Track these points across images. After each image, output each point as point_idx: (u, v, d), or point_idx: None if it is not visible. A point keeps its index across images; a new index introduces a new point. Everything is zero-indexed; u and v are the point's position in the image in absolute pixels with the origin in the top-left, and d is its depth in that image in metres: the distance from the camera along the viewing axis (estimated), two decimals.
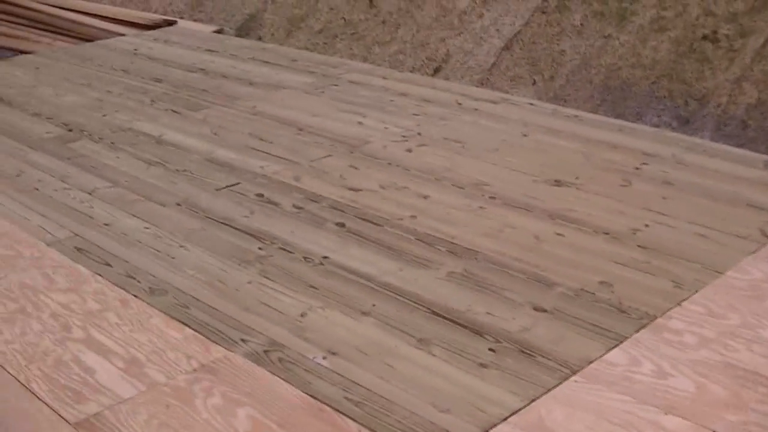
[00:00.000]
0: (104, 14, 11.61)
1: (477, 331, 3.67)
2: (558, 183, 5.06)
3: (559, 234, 4.47)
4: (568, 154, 5.48)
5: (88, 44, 9.86)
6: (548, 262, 4.19)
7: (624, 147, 5.57)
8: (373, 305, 3.88)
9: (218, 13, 11.18)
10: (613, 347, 3.54)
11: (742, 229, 4.49)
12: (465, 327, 3.70)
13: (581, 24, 8.35)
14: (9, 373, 3.52)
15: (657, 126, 6.53)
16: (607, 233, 4.46)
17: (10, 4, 13.10)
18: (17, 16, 12.93)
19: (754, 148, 5.99)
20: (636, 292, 3.92)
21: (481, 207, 4.80)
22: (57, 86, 7.63)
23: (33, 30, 12.52)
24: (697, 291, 3.93)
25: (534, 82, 8.09)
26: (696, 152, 5.51)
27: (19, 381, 3.47)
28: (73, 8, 12.11)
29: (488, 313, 3.78)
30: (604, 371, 3.40)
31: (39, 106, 7.03)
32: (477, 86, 8.02)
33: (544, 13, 8.62)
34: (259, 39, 10.18)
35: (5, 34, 12.72)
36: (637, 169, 5.24)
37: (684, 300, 3.86)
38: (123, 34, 10.49)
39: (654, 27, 7.92)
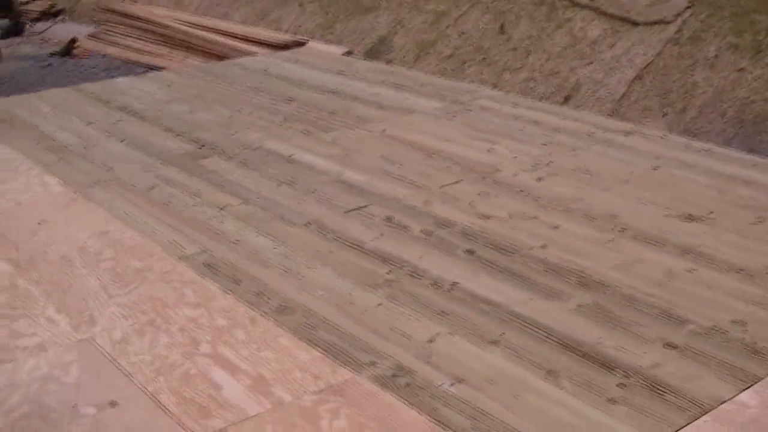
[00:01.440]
0: (236, 33, 11.77)
1: (606, 365, 3.63)
2: (690, 218, 4.99)
3: (690, 270, 4.40)
4: (701, 189, 5.39)
5: (220, 62, 10.00)
6: (680, 299, 4.12)
7: (757, 183, 5.47)
8: (502, 334, 3.85)
9: (348, 35, 11.26)
10: (746, 388, 3.47)
11: None
12: (594, 361, 3.66)
13: (715, 56, 8.24)
14: (137, 384, 3.58)
15: None
16: (740, 271, 4.38)
17: (145, 20, 13.35)
18: (151, 32, 13.17)
19: None
20: None
21: (611, 239, 4.74)
22: (189, 103, 7.74)
23: (166, 46, 12.74)
24: None
25: (665, 114, 8.00)
26: None
27: (146, 393, 3.52)
28: (206, 26, 12.29)
29: (618, 348, 3.73)
30: (736, 413, 3.34)
31: (171, 122, 7.14)
32: (607, 116, 7.95)
33: (676, 44, 8.53)
34: (388, 62, 10.22)
35: (139, 50, 12.96)
36: None
37: None
38: (254, 54, 10.62)
39: None
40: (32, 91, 10.27)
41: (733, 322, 3.92)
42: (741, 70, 7.99)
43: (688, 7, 8.79)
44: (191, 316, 4.09)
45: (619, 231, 4.84)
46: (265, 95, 7.87)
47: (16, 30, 15.53)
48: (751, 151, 6.80)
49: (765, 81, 7.79)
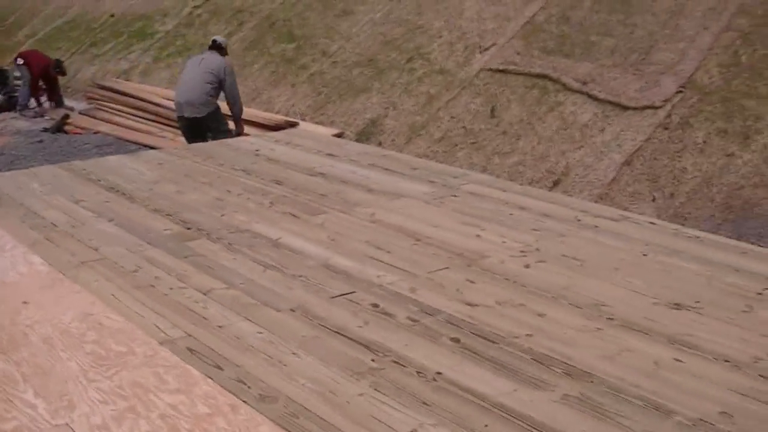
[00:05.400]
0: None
1: None
2: (678, 306, 4.96)
3: (678, 360, 4.36)
4: (690, 277, 5.37)
5: (211, 142, 10.01)
6: (666, 389, 4.08)
7: (746, 271, 5.44)
8: (486, 426, 3.80)
9: (339, 116, 11.31)
10: None
11: None
12: None
13: (704, 141, 8.28)
14: None
15: None
16: (727, 361, 4.34)
17: (136, 98, 13.42)
18: (142, 110, 13.25)
19: None
20: (758, 425, 3.79)
21: (598, 328, 4.70)
22: (179, 183, 7.74)
23: (156, 124, 12.82)
24: None
25: (654, 199, 8.02)
26: None
27: None
28: None
29: None
30: None
31: (160, 203, 7.13)
32: (596, 200, 7.96)
33: (666, 129, 8.57)
34: (379, 144, 10.26)
35: (131, 128, 13.03)
36: (759, 294, 5.11)
37: None
38: (246, 134, 10.65)
39: None
40: (23, 167, 10.31)
41: (720, 413, 3.87)
42: (730, 155, 8.03)
43: (678, 92, 8.86)
44: (172, 403, 4.03)
45: (606, 320, 4.80)
46: (255, 177, 7.88)
47: (9, 105, 15.62)
48: (740, 236, 6.81)
49: (754, 167, 7.81)
